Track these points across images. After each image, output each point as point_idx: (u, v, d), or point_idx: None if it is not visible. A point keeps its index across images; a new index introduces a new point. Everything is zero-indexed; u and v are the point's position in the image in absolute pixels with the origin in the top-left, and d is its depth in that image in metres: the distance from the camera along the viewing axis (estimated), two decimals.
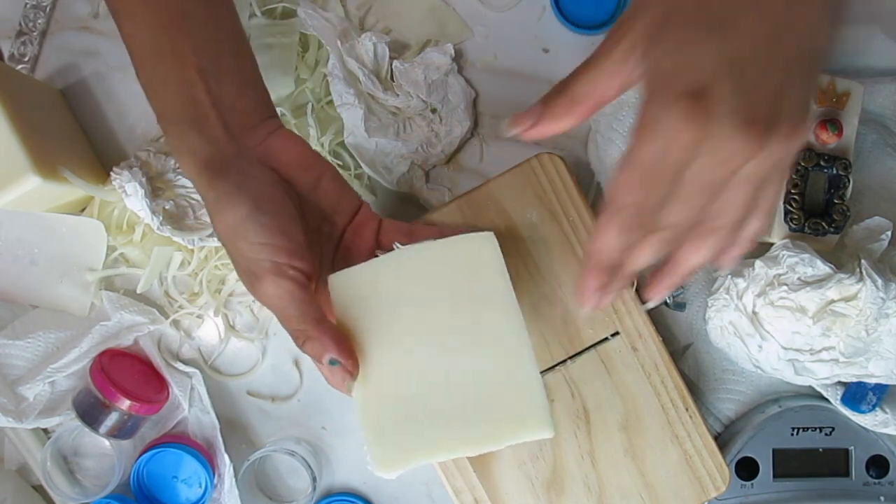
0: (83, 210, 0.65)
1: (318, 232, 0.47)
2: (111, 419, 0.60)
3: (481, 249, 0.44)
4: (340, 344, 0.42)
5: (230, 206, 0.42)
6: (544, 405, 0.43)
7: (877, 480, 0.60)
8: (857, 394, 0.58)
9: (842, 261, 0.55)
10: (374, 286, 0.44)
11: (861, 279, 0.50)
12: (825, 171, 0.54)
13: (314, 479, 0.62)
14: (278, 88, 0.62)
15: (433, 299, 0.43)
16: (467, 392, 0.43)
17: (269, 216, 0.42)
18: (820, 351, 0.51)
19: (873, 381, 0.53)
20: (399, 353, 0.44)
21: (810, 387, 0.61)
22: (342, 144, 0.63)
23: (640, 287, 0.56)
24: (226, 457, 0.63)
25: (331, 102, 0.64)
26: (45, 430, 0.66)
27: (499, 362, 0.43)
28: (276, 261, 0.41)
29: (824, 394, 0.59)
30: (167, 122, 0.44)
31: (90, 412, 0.60)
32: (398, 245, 0.44)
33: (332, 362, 0.42)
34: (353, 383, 0.43)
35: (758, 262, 0.53)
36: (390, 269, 0.44)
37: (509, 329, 0.43)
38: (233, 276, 0.65)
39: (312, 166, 0.46)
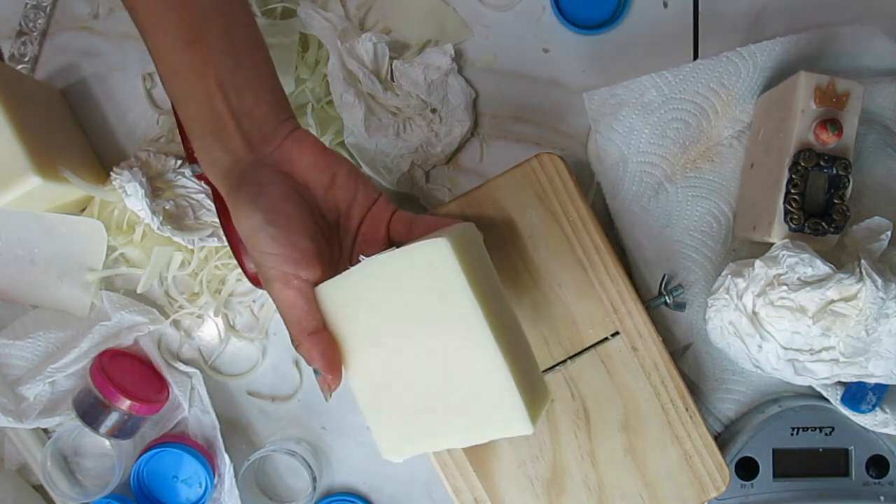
0: (83, 210, 0.65)
1: (337, 227, 0.49)
2: (111, 419, 0.60)
3: (437, 256, 0.43)
4: (325, 357, 0.45)
5: (244, 216, 0.44)
6: (518, 404, 0.43)
7: (877, 480, 0.60)
8: (856, 394, 0.58)
9: (842, 261, 0.55)
10: (352, 295, 0.45)
11: (861, 279, 0.50)
12: (825, 171, 0.54)
13: (314, 479, 0.62)
14: None
15: (402, 307, 0.45)
16: (448, 391, 0.44)
17: (278, 228, 0.44)
18: (820, 351, 0.51)
19: (873, 381, 0.53)
20: (384, 355, 0.45)
21: (810, 387, 0.61)
22: (342, 144, 0.63)
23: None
24: (226, 457, 0.63)
25: (331, 102, 0.64)
26: (46, 430, 0.66)
27: (469, 364, 0.44)
28: (283, 270, 0.44)
29: (824, 394, 0.59)
30: (192, 133, 0.47)
31: (90, 412, 0.60)
32: (363, 257, 0.45)
33: (316, 372, 0.45)
34: (330, 395, 0.46)
35: (758, 262, 0.53)
36: (361, 279, 0.45)
37: (471, 332, 0.43)
38: (233, 276, 0.65)
39: (327, 166, 0.48)
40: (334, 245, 0.48)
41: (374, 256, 0.45)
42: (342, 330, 0.46)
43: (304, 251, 0.44)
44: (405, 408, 0.45)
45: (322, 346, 0.45)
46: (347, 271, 0.45)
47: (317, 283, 0.45)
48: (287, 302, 0.44)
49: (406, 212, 0.51)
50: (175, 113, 0.58)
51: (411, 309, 0.44)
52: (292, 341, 0.45)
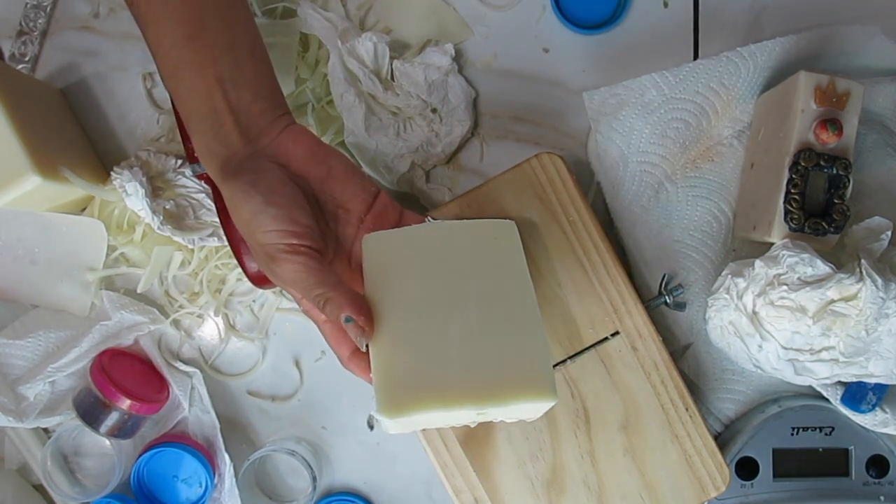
0: (83, 210, 0.65)
1: (336, 218, 0.50)
2: (111, 419, 0.60)
3: (504, 233, 0.50)
4: (355, 302, 0.45)
5: (244, 201, 0.45)
6: (549, 375, 0.44)
7: (877, 480, 0.60)
8: (856, 394, 0.58)
9: (842, 261, 0.55)
10: (403, 250, 0.47)
11: (861, 279, 0.50)
12: (825, 171, 0.54)
13: (314, 479, 0.62)
14: None
15: (456, 269, 0.47)
16: (478, 355, 0.45)
17: (279, 208, 0.45)
18: (820, 351, 0.51)
19: (873, 381, 0.53)
20: (418, 312, 0.46)
21: (810, 387, 0.61)
22: (342, 144, 0.63)
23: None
24: (226, 456, 0.63)
25: (331, 102, 0.64)
26: (46, 430, 0.66)
27: (510, 331, 0.45)
28: (289, 242, 0.45)
29: (824, 394, 0.59)
30: (191, 128, 0.48)
31: (90, 412, 0.60)
32: (430, 218, 0.49)
33: (347, 319, 0.45)
34: (365, 340, 0.46)
35: (758, 262, 0.53)
36: (421, 237, 0.48)
37: (522, 303, 0.46)
38: (233, 276, 0.65)
39: (322, 158, 0.49)
40: (329, 235, 0.49)
41: (442, 220, 0.50)
42: (375, 282, 0.47)
43: (306, 227, 0.45)
44: (421, 370, 0.45)
45: (350, 294, 0.45)
46: (405, 227, 0.49)
47: (321, 253, 0.46)
48: (300, 268, 0.45)
49: (416, 214, 0.52)
50: (175, 112, 0.59)
51: (463, 273, 0.47)
52: (317, 303, 0.45)
